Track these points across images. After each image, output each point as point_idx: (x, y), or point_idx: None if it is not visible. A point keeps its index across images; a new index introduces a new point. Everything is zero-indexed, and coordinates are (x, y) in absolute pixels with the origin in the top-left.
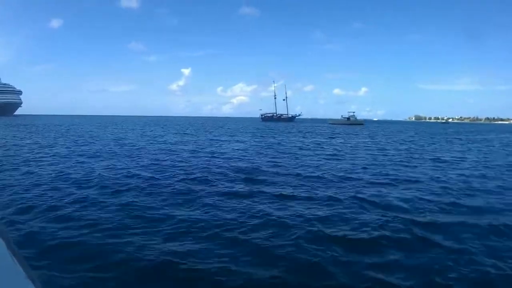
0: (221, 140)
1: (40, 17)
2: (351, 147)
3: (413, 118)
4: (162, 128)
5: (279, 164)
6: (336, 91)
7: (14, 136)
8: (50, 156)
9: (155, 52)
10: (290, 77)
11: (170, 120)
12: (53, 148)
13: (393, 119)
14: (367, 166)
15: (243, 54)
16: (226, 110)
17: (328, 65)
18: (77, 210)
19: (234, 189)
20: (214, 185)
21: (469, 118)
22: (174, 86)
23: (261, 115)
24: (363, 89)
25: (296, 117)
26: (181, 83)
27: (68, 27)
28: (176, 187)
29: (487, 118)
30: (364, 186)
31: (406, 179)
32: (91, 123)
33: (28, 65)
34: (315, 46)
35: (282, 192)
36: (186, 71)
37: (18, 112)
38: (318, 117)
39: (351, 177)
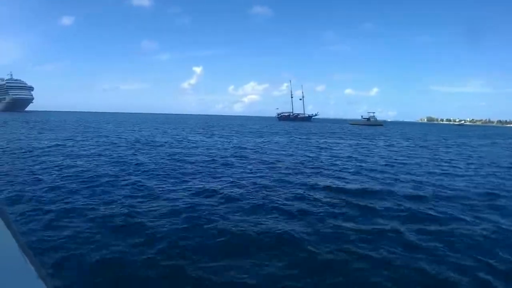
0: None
1: (53, 16)
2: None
3: (425, 120)
4: (187, 128)
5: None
6: (348, 91)
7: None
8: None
9: (167, 50)
10: (301, 77)
11: (184, 119)
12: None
13: (405, 120)
14: None
15: (255, 53)
16: (237, 109)
17: (339, 66)
18: None
19: None
20: None
21: (481, 120)
22: (185, 85)
23: (278, 114)
24: (374, 90)
25: (313, 117)
26: (192, 81)
27: (80, 25)
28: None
29: (499, 121)
30: None
31: None
32: (111, 120)
33: (40, 63)
34: (326, 46)
35: None
36: (198, 70)
37: (30, 108)
38: (330, 117)
39: None
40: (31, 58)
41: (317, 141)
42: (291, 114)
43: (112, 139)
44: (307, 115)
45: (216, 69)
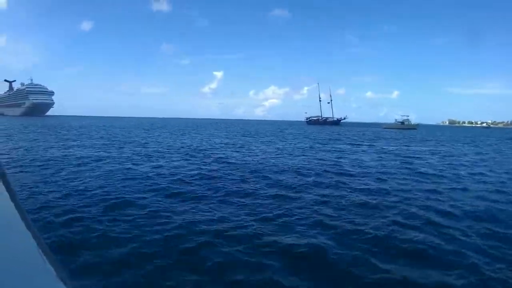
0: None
1: (73, 21)
2: None
3: (447, 122)
4: (221, 133)
5: None
6: (368, 94)
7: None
8: None
9: (187, 54)
10: (322, 80)
11: (209, 123)
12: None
13: (426, 123)
14: None
15: (274, 56)
16: (258, 113)
17: (359, 68)
18: None
19: None
20: None
21: (503, 122)
22: (206, 89)
23: (307, 119)
24: (395, 93)
25: (341, 121)
26: (213, 85)
27: (100, 30)
28: None
29: None
30: None
31: None
32: (139, 125)
33: (60, 67)
34: (346, 49)
35: None
36: (218, 74)
37: (50, 112)
38: (352, 120)
39: None
40: (52, 62)
41: (412, 149)
42: (320, 118)
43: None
44: (335, 119)
45: (236, 73)
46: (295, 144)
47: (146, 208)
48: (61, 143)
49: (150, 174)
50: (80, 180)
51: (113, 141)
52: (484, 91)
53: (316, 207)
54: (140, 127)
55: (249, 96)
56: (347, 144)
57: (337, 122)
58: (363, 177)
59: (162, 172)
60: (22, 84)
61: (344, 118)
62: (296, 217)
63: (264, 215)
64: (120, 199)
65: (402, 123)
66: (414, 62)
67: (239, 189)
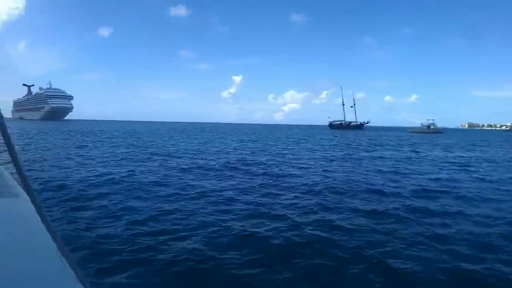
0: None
1: (92, 27)
2: None
3: (466, 126)
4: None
5: None
6: (387, 98)
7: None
8: None
9: (206, 59)
10: (341, 84)
11: (232, 128)
12: None
13: (446, 127)
14: None
15: (293, 61)
16: (277, 118)
17: (378, 72)
18: None
19: None
20: None
21: None
22: (225, 93)
23: (330, 123)
24: (413, 96)
25: (364, 125)
26: (232, 90)
27: (118, 36)
28: None
29: None
30: None
31: None
32: (165, 129)
33: (79, 72)
34: (364, 53)
35: None
36: (237, 79)
37: (69, 117)
38: (371, 124)
39: None
40: (71, 68)
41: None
42: (343, 122)
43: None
44: (359, 123)
45: (255, 78)
46: (338, 151)
47: None
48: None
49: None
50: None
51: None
52: (504, 94)
53: None
54: (175, 132)
55: (268, 100)
56: (389, 150)
57: (360, 126)
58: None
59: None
60: (41, 89)
61: (367, 122)
62: None
63: None
64: None
65: (428, 127)
66: (432, 65)
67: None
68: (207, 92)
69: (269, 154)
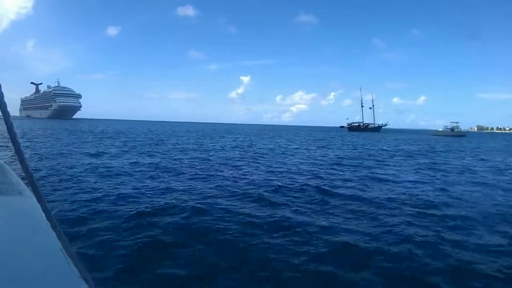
0: None
1: (100, 27)
2: None
3: (475, 129)
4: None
5: None
6: (395, 100)
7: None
8: None
9: (215, 60)
10: (349, 86)
11: (244, 129)
12: None
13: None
14: None
15: (301, 62)
16: (285, 119)
17: (387, 74)
18: None
19: None
20: None
21: None
22: (233, 94)
23: (348, 124)
24: (422, 98)
25: (382, 127)
26: (240, 91)
27: (126, 36)
28: None
29: None
30: None
31: None
32: (180, 130)
33: (88, 72)
34: (373, 55)
35: None
36: (246, 79)
37: (77, 115)
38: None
39: None
40: (79, 67)
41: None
42: (362, 124)
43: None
44: (377, 125)
45: (263, 79)
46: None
47: None
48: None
49: None
50: None
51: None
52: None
53: None
54: (192, 133)
55: (276, 101)
56: (455, 158)
57: (378, 129)
58: None
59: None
60: (49, 87)
61: (385, 125)
62: None
63: None
64: None
65: (452, 130)
66: (441, 67)
67: None
68: (214, 92)
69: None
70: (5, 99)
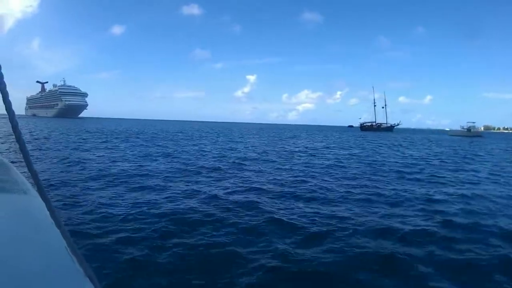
0: None
1: (104, 27)
2: None
3: (482, 128)
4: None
5: None
6: (401, 99)
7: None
8: None
9: (220, 59)
10: (355, 85)
11: (256, 129)
12: None
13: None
14: None
15: (307, 60)
16: (291, 117)
17: (392, 73)
18: None
19: None
20: None
21: None
22: (239, 93)
23: (361, 124)
24: (428, 97)
25: (395, 127)
26: (246, 90)
27: (131, 35)
28: None
29: None
30: None
31: None
32: (192, 129)
33: (93, 71)
34: (379, 53)
35: None
36: (251, 78)
37: (83, 114)
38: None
39: None
40: (84, 66)
41: None
42: (374, 123)
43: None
44: (389, 125)
45: (269, 77)
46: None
47: None
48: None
49: None
50: None
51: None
52: None
53: None
54: (208, 133)
55: (282, 100)
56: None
57: (390, 128)
58: None
59: None
60: (55, 86)
61: (398, 124)
62: None
63: None
64: None
65: (469, 130)
66: (447, 65)
67: None
68: (220, 91)
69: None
70: (11, 98)
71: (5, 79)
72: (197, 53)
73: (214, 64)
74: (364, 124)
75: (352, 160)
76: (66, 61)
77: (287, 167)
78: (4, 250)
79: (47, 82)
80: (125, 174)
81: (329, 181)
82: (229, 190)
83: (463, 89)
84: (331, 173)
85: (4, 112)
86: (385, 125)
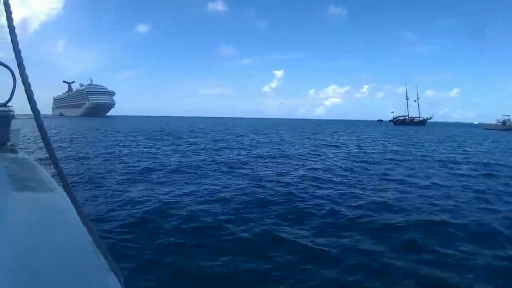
0: None
1: (131, 25)
2: None
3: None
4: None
5: None
6: (428, 92)
7: None
8: None
9: (245, 55)
10: (380, 79)
11: (287, 124)
12: None
13: (488, 123)
14: None
15: (332, 55)
16: (319, 112)
17: (418, 66)
18: None
19: None
20: None
21: None
22: (266, 88)
23: (393, 118)
24: (455, 90)
25: (428, 120)
26: (273, 85)
27: (156, 33)
28: None
29: None
30: None
31: None
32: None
33: (120, 70)
34: (405, 47)
35: None
36: (279, 73)
37: (111, 113)
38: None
39: None
40: (111, 65)
41: None
42: (407, 117)
43: None
44: (422, 119)
45: (296, 73)
46: None
47: None
48: None
49: None
50: None
51: None
52: None
53: None
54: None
55: (310, 95)
56: None
57: (423, 122)
58: None
59: None
60: (82, 85)
61: (430, 118)
62: None
63: None
64: None
65: (504, 123)
66: (475, 57)
67: None
68: (247, 87)
69: None
70: (37, 98)
71: (31, 80)
72: (222, 50)
73: (240, 60)
74: (397, 118)
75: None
76: (92, 61)
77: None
78: (31, 246)
79: (73, 81)
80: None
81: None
82: None
83: (489, 81)
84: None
85: (30, 112)
86: (418, 119)
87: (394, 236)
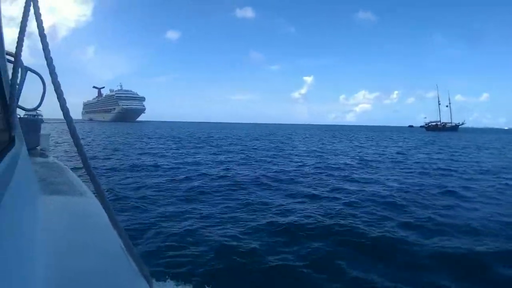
0: None
1: (161, 31)
2: None
3: None
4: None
5: None
6: (457, 97)
7: None
8: None
9: (275, 61)
10: (410, 84)
11: (330, 130)
12: None
13: None
14: None
15: (362, 60)
16: (349, 118)
17: (448, 71)
18: None
19: None
20: None
21: None
22: (296, 94)
23: (426, 124)
24: (484, 95)
25: (460, 126)
26: (303, 91)
27: (186, 39)
28: None
29: None
30: None
31: None
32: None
33: (149, 76)
34: (434, 51)
35: None
36: (308, 79)
37: (141, 118)
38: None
39: None
40: (141, 71)
41: None
42: (439, 123)
43: None
44: (454, 124)
45: (325, 78)
46: None
47: None
48: None
49: None
50: None
51: None
52: None
53: None
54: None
55: (340, 101)
56: None
57: (455, 128)
58: None
59: None
60: (112, 90)
61: (462, 123)
62: None
63: None
64: None
65: None
66: (504, 63)
67: None
68: (277, 93)
69: None
70: (68, 104)
71: (62, 87)
72: (252, 56)
73: (269, 66)
74: (430, 124)
75: None
76: (122, 66)
77: None
78: (63, 250)
79: (103, 87)
80: None
81: None
82: None
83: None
84: None
85: (61, 117)
86: (450, 124)
87: None
